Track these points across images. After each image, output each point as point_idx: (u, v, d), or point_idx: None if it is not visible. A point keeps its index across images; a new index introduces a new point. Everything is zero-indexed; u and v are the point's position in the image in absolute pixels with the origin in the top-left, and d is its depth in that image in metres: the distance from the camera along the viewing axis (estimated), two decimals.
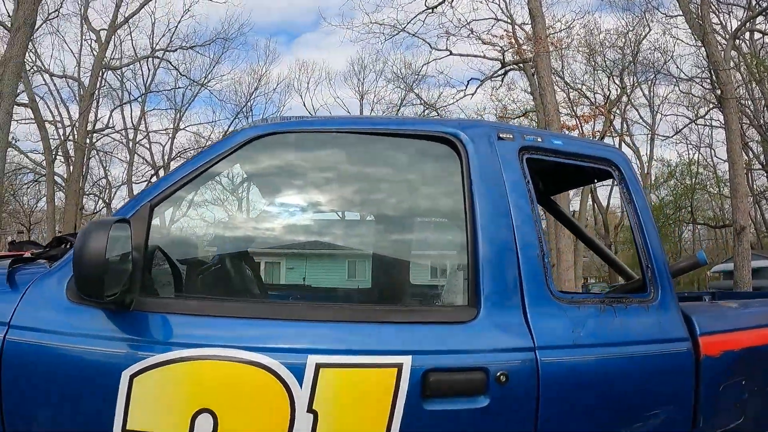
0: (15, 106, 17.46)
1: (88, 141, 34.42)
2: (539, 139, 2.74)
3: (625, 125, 39.64)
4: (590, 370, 2.39)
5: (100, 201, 46.22)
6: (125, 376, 2.08)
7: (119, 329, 2.15)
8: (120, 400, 2.07)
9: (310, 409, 2.09)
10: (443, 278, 2.93)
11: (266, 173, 3.26)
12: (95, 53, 35.21)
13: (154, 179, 44.22)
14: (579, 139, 3.62)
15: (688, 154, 40.34)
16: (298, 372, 2.10)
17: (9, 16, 30.66)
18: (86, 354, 2.13)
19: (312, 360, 2.11)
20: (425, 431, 2.17)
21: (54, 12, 32.64)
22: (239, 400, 2.11)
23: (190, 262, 2.98)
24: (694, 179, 37.82)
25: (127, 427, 2.07)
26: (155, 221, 2.33)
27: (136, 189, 43.42)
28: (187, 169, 2.38)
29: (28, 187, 40.95)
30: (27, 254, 2.95)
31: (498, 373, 2.21)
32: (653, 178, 42.06)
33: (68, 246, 3.10)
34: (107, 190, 46.39)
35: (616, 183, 2.90)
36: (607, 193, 42.92)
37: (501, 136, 2.64)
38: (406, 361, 2.15)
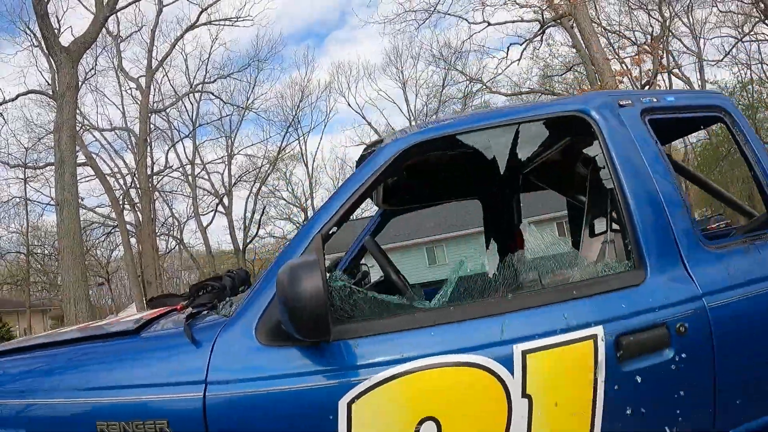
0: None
1: (150, 185, 35.29)
2: (655, 100, 2.84)
3: (671, 58, 38.82)
4: (751, 306, 2.49)
5: (170, 239, 47.37)
6: (342, 404, 2.15)
7: (324, 362, 2.21)
8: (342, 429, 2.15)
9: (524, 395, 2.20)
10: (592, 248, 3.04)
11: (415, 179, 3.36)
12: (138, 101, 36.05)
13: (219, 208, 45.14)
14: (687, 92, 3.72)
15: (741, 74, 39.02)
16: (508, 362, 2.20)
17: (49, 84, 31.75)
18: (296, 392, 2.19)
19: (518, 349, 2.21)
20: (626, 391, 2.28)
21: (91, 70, 33.50)
22: (458, 401, 2.21)
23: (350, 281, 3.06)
24: (752, 98, 36.77)
25: None
26: None
27: (204, 220, 44.36)
28: (345, 194, 2.47)
29: (99, 241, 42.21)
30: (179, 308, 3.06)
31: (678, 325, 2.34)
32: None
33: (207, 291, 3.23)
34: (177, 227, 47.49)
35: (727, 126, 2.95)
36: None
37: (621, 103, 2.74)
38: (599, 331, 2.27)
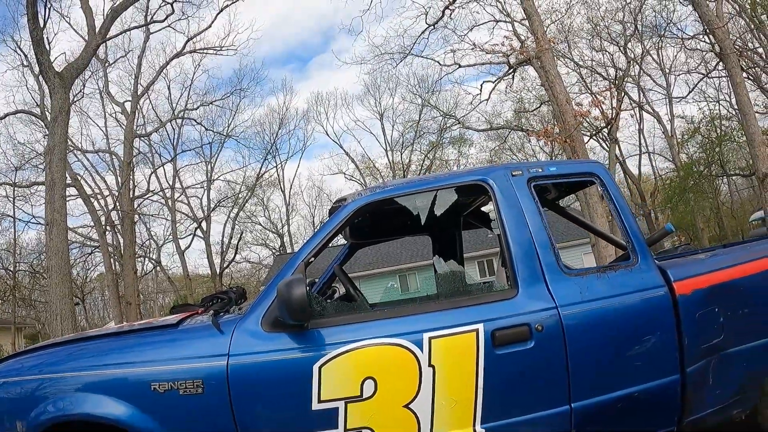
0: None
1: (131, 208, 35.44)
2: (540, 170, 3.94)
3: (641, 94, 39.96)
4: (596, 315, 3.55)
5: (147, 261, 47.38)
6: (315, 367, 3.32)
7: (304, 341, 3.38)
8: (314, 382, 3.31)
9: (429, 365, 3.34)
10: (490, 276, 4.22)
11: (367, 227, 4.53)
12: (122, 124, 36.12)
13: (198, 232, 45.60)
14: (568, 162, 4.86)
15: (709, 108, 39.96)
16: (419, 344, 3.35)
17: (37, 104, 32.11)
18: (286, 360, 3.35)
19: (426, 336, 3.36)
20: (498, 368, 3.39)
21: (78, 93, 33.29)
22: (388, 367, 3.35)
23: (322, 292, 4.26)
24: (719, 132, 37.59)
25: (321, 398, 3.29)
26: None
27: (183, 243, 44.62)
28: (320, 236, 3.64)
29: (78, 261, 41.88)
30: (200, 312, 4.19)
31: (536, 325, 3.45)
32: (679, 137, 42.09)
33: (218, 301, 4.31)
34: (155, 250, 47.59)
35: (598, 187, 4.03)
36: (636, 162, 43.19)
37: (513, 174, 3.85)
38: (480, 327, 3.40)
